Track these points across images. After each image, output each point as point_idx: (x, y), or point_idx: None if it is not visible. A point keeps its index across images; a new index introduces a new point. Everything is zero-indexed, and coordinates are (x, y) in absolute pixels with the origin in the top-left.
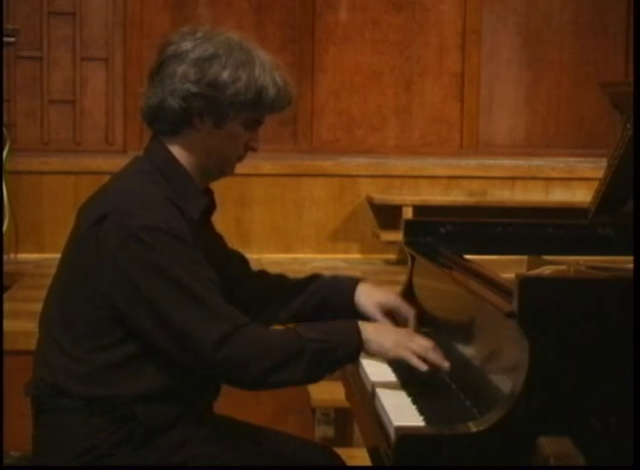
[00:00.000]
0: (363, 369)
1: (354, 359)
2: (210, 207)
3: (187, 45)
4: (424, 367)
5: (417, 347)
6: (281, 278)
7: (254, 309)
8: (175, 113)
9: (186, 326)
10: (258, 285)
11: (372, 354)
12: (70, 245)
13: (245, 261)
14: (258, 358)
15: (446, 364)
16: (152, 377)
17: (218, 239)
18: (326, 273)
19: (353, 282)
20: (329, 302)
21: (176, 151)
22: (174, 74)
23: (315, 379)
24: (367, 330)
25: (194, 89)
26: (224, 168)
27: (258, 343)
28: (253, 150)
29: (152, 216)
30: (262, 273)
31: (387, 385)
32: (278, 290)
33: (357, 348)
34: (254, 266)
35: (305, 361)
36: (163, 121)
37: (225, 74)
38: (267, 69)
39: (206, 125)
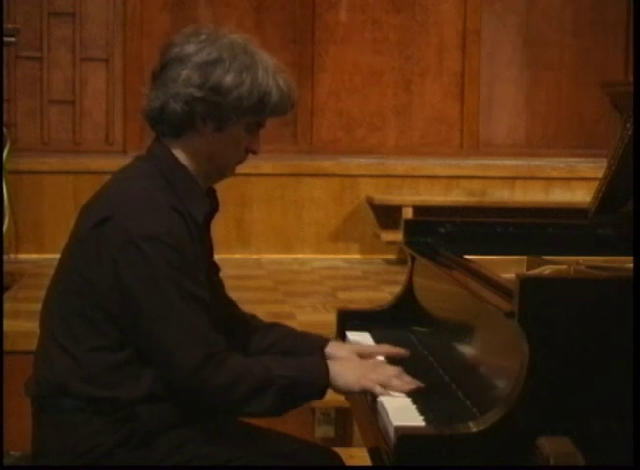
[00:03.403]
0: None
1: (320, 398)
2: (214, 208)
3: (190, 48)
4: (386, 395)
5: (380, 376)
6: (251, 317)
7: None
8: (178, 116)
9: (168, 344)
10: (230, 313)
11: (339, 391)
12: (71, 245)
13: (222, 284)
14: (229, 388)
15: (413, 386)
16: (152, 378)
17: (211, 248)
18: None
19: (323, 340)
20: (294, 352)
21: (178, 154)
22: (177, 78)
23: (279, 413)
24: (334, 368)
25: (197, 93)
26: (224, 171)
27: (231, 374)
28: (255, 152)
29: (154, 225)
30: (234, 304)
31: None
32: (246, 326)
33: (324, 387)
34: (254, 268)
35: (272, 396)
36: (166, 124)
37: (228, 79)
38: (270, 73)
39: (209, 129)
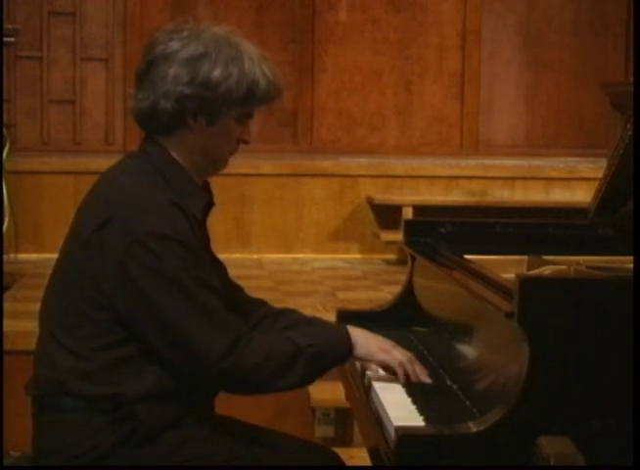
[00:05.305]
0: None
1: (345, 362)
2: (210, 203)
3: (175, 45)
4: (403, 380)
5: (401, 355)
6: (260, 302)
7: None
8: (168, 115)
9: (191, 335)
10: (237, 298)
11: (358, 357)
12: (70, 246)
13: (226, 270)
14: (261, 366)
15: (427, 380)
16: (153, 376)
17: (208, 242)
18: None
19: (333, 324)
20: None
21: (171, 150)
22: (165, 76)
23: (310, 382)
24: (355, 334)
25: (187, 91)
26: (217, 164)
27: (260, 351)
28: (246, 142)
29: (158, 222)
30: (241, 289)
31: (386, 385)
32: (255, 311)
33: (348, 351)
34: (254, 268)
35: (302, 366)
36: (157, 123)
37: (217, 73)
38: (256, 62)
39: (200, 124)
